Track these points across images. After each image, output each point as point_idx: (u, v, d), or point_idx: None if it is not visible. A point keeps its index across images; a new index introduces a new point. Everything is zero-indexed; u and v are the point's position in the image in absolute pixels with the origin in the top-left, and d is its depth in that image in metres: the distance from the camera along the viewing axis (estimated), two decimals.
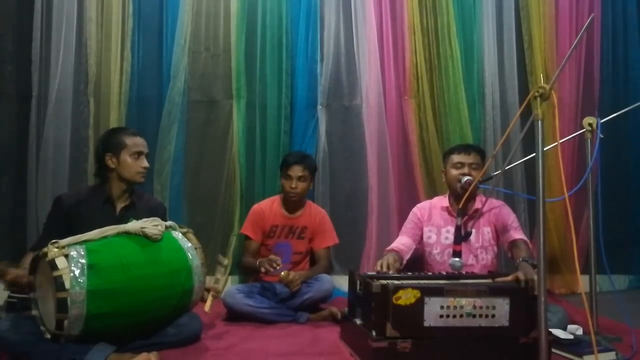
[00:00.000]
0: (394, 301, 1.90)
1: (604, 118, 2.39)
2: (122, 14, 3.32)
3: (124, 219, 2.21)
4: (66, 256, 1.88)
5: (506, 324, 1.95)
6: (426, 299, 1.92)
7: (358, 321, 2.12)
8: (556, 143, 2.14)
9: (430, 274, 2.45)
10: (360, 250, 3.44)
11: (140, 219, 2.18)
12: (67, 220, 2.28)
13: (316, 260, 3.00)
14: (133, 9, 3.33)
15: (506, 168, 2.93)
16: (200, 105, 3.45)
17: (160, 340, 2.10)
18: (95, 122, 3.29)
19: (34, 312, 2.00)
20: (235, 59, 3.41)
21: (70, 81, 3.26)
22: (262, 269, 2.67)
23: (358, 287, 2.18)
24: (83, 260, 1.89)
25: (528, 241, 2.52)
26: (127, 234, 2.08)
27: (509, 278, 2.14)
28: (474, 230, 2.55)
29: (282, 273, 2.66)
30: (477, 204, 2.63)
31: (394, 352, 1.89)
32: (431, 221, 2.70)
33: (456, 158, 2.64)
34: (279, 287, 2.73)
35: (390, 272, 2.31)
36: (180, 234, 2.26)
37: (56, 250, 1.88)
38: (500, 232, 2.61)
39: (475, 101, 3.53)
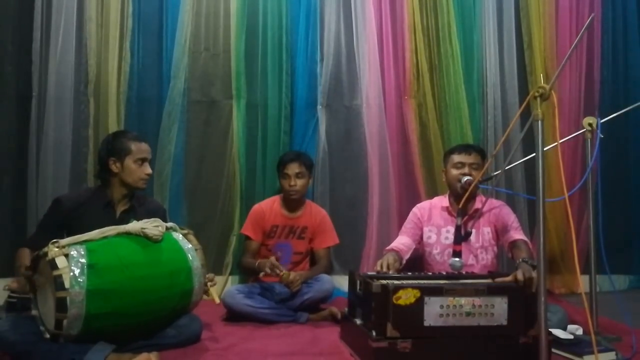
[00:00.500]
0: (394, 301, 1.90)
1: (604, 118, 2.39)
2: (122, 14, 3.31)
3: (123, 223, 2.19)
4: (66, 256, 1.88)
5: (504, 322, 1.95)
6: (426, 299, 1.92)
7: (358, 321, 2.12)
8: (556, 143, 2.14)
9: (430, 274, 2.45)
10: (360, 250, 3.43)
11: (142, 220, 2.18)
12: (66, 222, 2.28)
13: (316, 260, 3.00)
14: (133, 9, 3.33)
15: (506, 168, 2.94)
16: (200, 105, 3.45)
17: (160, 341, 2.10)
18: (95, 122, 3.28)
19: (34, 312, 2.00)
20: (235, 59, 3.41)
21: (70, 81, 3.26)
22: (265, 272, 2.67)
23: (358, 287, 2.18)
24: (83, 260, 1.89)
25: (528, 241, 2.52)
26: (127, 234, 2.08)
27: (509, 278, 2.14)
28: (474, 230, 2.55)
29: (283, 274, 2.66)
30: (477, 204, 2.63)
31: (394, 352, 1.89)
32: (431, 221, 2.70)
33: (456, 158, 2.64)
34: (278, 288, 2.73)
35: (390, 272, 2.31)
36: (181, 235, 2.26)
37: (56, 249, 1.88)
38: (500, 232, 2.61)
39: (475, 101, 3.53)
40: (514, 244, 2.50)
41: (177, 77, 3.34)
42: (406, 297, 1.91)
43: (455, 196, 2.65)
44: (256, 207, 3.04)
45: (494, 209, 2.65)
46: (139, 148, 2.36)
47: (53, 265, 1.85)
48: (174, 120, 3.33)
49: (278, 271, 2.64)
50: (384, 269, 2.32)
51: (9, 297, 2.36)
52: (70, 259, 1.87)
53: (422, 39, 3.49)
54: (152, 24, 3.40)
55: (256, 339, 2.35)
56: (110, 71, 3.29)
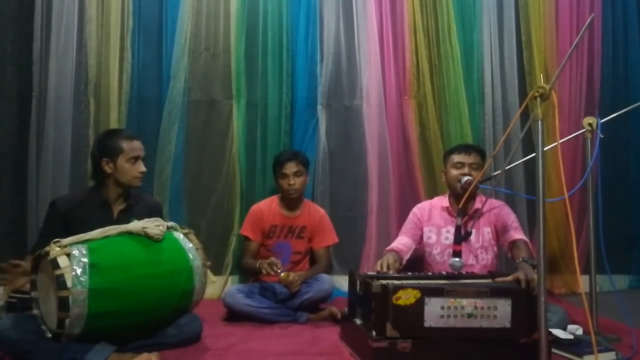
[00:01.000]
0: (394, 301, 1.90)
1: (604, 118, 2.39)
2: (122, 14, 3.31)
3: (121, 222, 2.18)
4: (68, 255, 1.88)
5: (508, 325, 1.94)
6: (426, 299, 1.92)
7: (358, 321, 2.12)
8: (556, 143, 2.14)
9: (430, 274, 2.45)
10: (360, 250, 3.44)
11: (138, 220, 2.17)
12: (64, 224, 2.25)
13: (316, 259, 3.00)
14: (133, 9, 3.33)
15: (506, 168, 2.94)
16: (200, 105, 3.45)
17: (160, 340, 2.10)
18: (96, 122, 3.28)
19: (35, 311, 2.00)
20: (235, 59, 3.41)
21: (71, 81, 3.26)
22: (264, 271, 2.67)
23: (358, 287, 2.18)
24: (85, 259, 1.89)
25: (528, 241, 2.52)
26: (128, 233, 2.08)
27: (509, 278, 2.14)
28: (474, 231, 2.55)
29: (282, 274, 2.66)
30: (477, 204, 2.63)
31: (394, 352, 1.89)
32: (431, 221, 2.70)
33: (456, 158, 2.64)
34: (278, 288, 2.73)
35: (390, 272, 2.31)
36: (182, 235, 2.26)
37: (58, 249, 1.88)
38: (500, 232, 2.61)
39: (475, 101, 3.53)
40: (513, 243, 2.50)
41: (177, 77, 3.34)
42: (406, 298, 1.91)
43: (455, 196, 2.65)
44: (254, 207, 3.04)
45: (494, 209, 2.65)
46: (131, 146, 2.32)
47: (55, 264, 1.85)
48: (174, 120, 3.33)
49: (276, 269, 2.64)
50: (384, 269, 2.32)
51: (9, 297, 2.36)
52: (72, 258, 1.87)
53: (422, 39, 3.49)
54: (152, 24, 3.40)
55: (256, 339, 2.36)
56: (111, 71, 3.29)
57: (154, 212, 2.38)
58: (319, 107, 3.49)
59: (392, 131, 3.48)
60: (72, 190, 3.13)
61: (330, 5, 3.51)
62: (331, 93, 3.51)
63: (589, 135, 2.40)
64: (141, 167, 2.35)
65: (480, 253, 2.61)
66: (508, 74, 3.58)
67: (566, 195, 1.80)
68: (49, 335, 1.92)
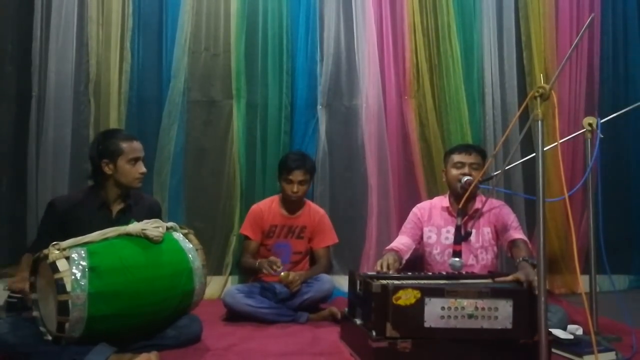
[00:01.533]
0: (394, 301, 1.90)
1: (604, 118, 2.39)
2: (122, 14, 3.31)
3: (120, 223, 2.18)
4: (67, 258, 1.87)
5: (509, 326, 1.94)
6: (426, 300, 1.92)
7: (358, 321, 2.12)
8: (556, 143, 2.14)
9: (430, 274, 2.45)
10: (360, 250, 3.44)
11: (137, 220, 2.17)
12: (62, 224, 2.24)
13: (316, 259, 3.00)
14: (133, 9, 3.33)
15: (506, 168, 2.94)
16: (200, 105, 3.45)
17: (160, 342, 2.09)
18: (96, 122, 3.28)
19: (35, 314, 2.00)
20: (235, 59, 3.41)
21: (70, 81, 3.26)
22: (264, 270, 2.67)
23: (358, 287, 2.18)
24: (84, 263, 1.88)
25: (528, 241, 2.52)
26: (128, 235, 2.07)
27: (509, 278, 2.14)
28: (474, 231, 2.55)
29: (282, 274, 2.66)
30: (477, 204, 2.63)
31: (394, 352, 1.89)
32: (431, 221, 2.70)
33: (457, 158, 2.64)
34: (278, 287, 2.73)
35: (390, 272, 2.31)
36: (181, 235, 2.25)
37: (57, 252, 1.87)
38: (500, 232, 2.61)
39: (475, 101, 3.53)
40: (513, 243, 2.51)
41: (177, 77, 3.34)
42: (406, 298, 1.91)
43: (455, 196, 2.65)
44: (255, 207, 3.04)
45: (494, 209, 2.65)
46: (131, 147, 2.31)
47: (54, 268, 1.84)
48: (174, 120, 3.33)
49: (276, 267, 2.64)
50: (384, 269, 2.32)
51: (9, 297, 2.36)
52: (71, 262, 1.87)
53: (422, 39, 3.49)
54: (152, 24, 3.40)
55: (256, 339, 2.36)
56: (111, 71, 3.29)
57: (153, 212, 2.38)
58: (319, 107, 3.49)
59: (392, 131, 3.48)
60: (71, 190, 3.13)
61: (330, 5, 3.51)
62: (331, 93, 3.51)
63: (589, 135, 2.40)
64: (141, 168, 2.34)
65: (480, 253, 2.61)
66: (508, 74, 3.58)
67: (566, 195, 1.80)
68: (49, 337, 1.91)
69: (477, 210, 2.60)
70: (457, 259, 2.32)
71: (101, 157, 2.29)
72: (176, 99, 3.34)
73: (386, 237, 3.27)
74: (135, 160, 2.32)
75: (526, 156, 2.69)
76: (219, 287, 3.25)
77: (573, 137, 2.68)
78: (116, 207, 2.35)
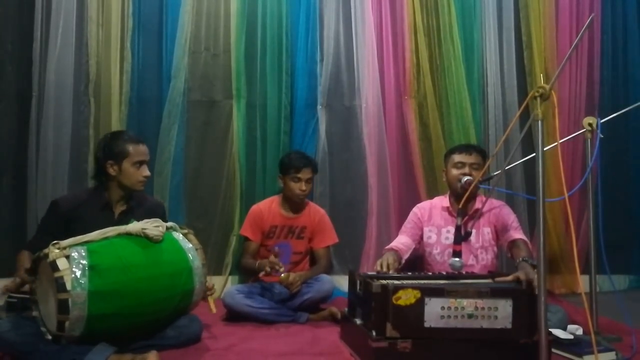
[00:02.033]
0: (394, 301, 1.90)
1: (604, 118, 2.39)
2: (122, 14, 3.31)
3: (122, 224, 2.18)
4: (67, 257, 1.87)
5: (509, 326, 1.94)
6: (426, 300, 1.92)
7: (358, 321, 2.12)
8: (556, 143, 2.14)
9: (430, 274, 2.45)
10: (360, 250, 3.44)
11: (141, 220, 2.17)
12: (65, 224, 2.25)
13: (316, 259, 3.00)
14: (133, 9, 3.33)
15: (506, 168, 2.94)
16: (200, 105, 3.45)
17: (159, 342, 2.09)
18: (96, 122, 3.28)
19: (35, 313, 2.00)
20: (235, 59, 3.41)
21: (71, 81, 3.25)
22: (265, 271, 2.67)
23: (358, 287, 2.18)
24: (84, 262, 1.89)
25: (528, 241, 2.52)
26: (128, 235, 2.08)
27: (509, 278, 2.14)
28: (474, 231, 2.55)
29: (282, 275, 2.66)
30: (478, 204, 2.63)
31: (394, 352, 1.89)
32: (431, 221, 2.70)
33: (457, 158, 2.64)
34: (278, 288, 2.73)
35: (391, 271, 2.31)
36: (181, 235, 2.26)
37: (57, 251, 1.87)
38: (500, 232, 2.61)
39: (475, 101, 3.53)
40: (513, 243, 2.51)
41: (177, 77, 3.34)
42: (406, 298, 1.91)
43: (455, 196, 2.65)
44: (254, 207, 3.03)
45: (494, 209, 2.65)
46: (137, 150, 2.31)
47: (54, 266, 1.85)
48: (174, 120, 3.33)
49: (278, 267, 2.64)
50: (384, 269, 2.32)
51: (9, 297, 2.36)
52: (72, 261, 1.87)
53: (423, 39, 3.49)
54: (153, 24, 3.40)
55: (256, 339, 2.36)
56: (111, 71, 3.29)
57: (156, 213, 2.37)
58: (319, 107, 3.49)
59: (392, 131, 3.49)
60: (71, 190, 3.13)
61: (330, 5, 3.51)
62: (331, 93, 3.51)
63: (589, 135, 2.40)
64: (145, 171, 2.34)
65: (480, 253, 2.61)
66: (508, 73, 3.58)
67: (566, 195, 1.80)
68: (49, 337, 1.91)
69: (477, 210, 2.60)
70: (457, 259, 2.32)
71: (106, 157, 2.30)
72: (176, 99, 3.33)
73: (386, 237, 3.27)
74: (140, 163, 2.32)
75: (527, 156, 2.69)
76: (219, 287, 3.25)
77: (573, 137, 2.68)
78: (119, 209, 2.36)
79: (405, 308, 1.91)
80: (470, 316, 1.93)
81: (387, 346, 1.89)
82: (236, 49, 3.41)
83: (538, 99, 1.73)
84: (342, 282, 3.06)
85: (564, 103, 3.55)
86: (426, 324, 1.92)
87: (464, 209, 2.46)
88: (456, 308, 1.93)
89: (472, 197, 2.62)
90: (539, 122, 1.72)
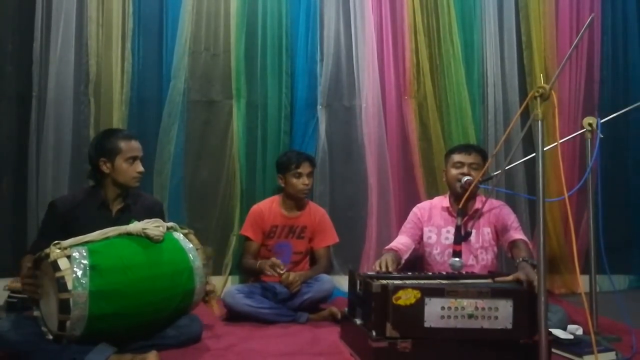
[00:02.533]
0: (394, 301, 1.90)
1: (604, 118, 2.39)
2: (123, 14, 3.30)
3: (120, 222, 2.19)
4: (68, 257, 1.88)
5: (509, 326, 1.94)
6: (426, 300, 1.92)
7: (358, 321, 2.12)
8: (556, 143, 2.14)
9: (430, 274, 2.45)
10: (360, 250, 3.43)
11: (138, 219, 2.17)
12: (64, 225, 2.25)
13: (316, 259, 3.00)
14: (133, 9, 3.32)
15: (506, 168, 2.94)
16: (200, 105, 3.45)
17: (160, 342, 2.09)
18: (96, 122, 3.27)
19: (36, 313, 2.00)
20: (235, 59, 3.41)
21: (71, 81, 3.25)
22: (267, 272, 2.67)
23: (358, 287, 2.18)
24: (85, 261, 1.89)
25: (528, 241, 2.52)
26: (128, 235, 2.08)
27: (509, 278, 2.14)
28: (474, 231, 2.55)
29: (283, 275, 2.66)
30: (477, 204, 2.64)
31: (394, 352, 1.89)
32: (431, 221, 2.70)
33: (456, 157, 2.64)
34: (278, 288, 2.73)
35: (390, 269, 2.31)
36: (182, 235, 2.26)
37: (58, 251, 1.88)
38: (500, 232, 2.62)
39: (476, 101, 3.53)
40: (513, 243, 2.51)
41: (177, 77, 3.34)
42: (406, 298, 1.91)
43: (455, 196, 2.65)
44: (255, 207, 3.04)
45: (494, 209, 2.65)
46: (129, 146, 2.32)
47: (55, 266, 1.85)
48: (174, 120, 3.33)
49: (279, 270, 2.64)
50: (383, 269, 2.32)
51: (9, 297, 2.37)
52: (73, 261, 1.87)
53: (423, 38, 3.49)
54: (153, 24, 3.39)
55: (256, 339, 2.36)
56: (111, 71, 3.28)
57: (153, 211, 2.38)
58: (319, 107, 3.49)
59: (392, 131, 3.48)
60: (71, 190, 3.13)
61: (330, 5, 3.51)
62: (331, 93, 3.51)
63: (589, 135, 2.40)
64: (139, 167, 2.34)
65: (480, 253, 2.61)
66: (509, 73, 3.58)
67: (566, 195, 1.80)
68: (50, 337, 1.91)
69: (477, 210, 2.60)
70: (457, 259, 2.32)
71: (99, 155, 2.30)
72: (176, 99, 3.33)
73: (386, 237, 3.26)
74: (133, 159, 2.33)
75: (527, 156, 2.69)
76: (219, 287, 3.25)
77: (573, 137, 2.67)
78: (116, 207, 2.36)
79: (405, 308, 1.91)
80: (470, 316, 1.93)
81: (387, 346, 1.89)
82: (236, 49, 3.41)
83: (538, 99, 1.74)
84: (342, 282, 3.07)
85: (564, 103, 3.56)
86: (426, 324, 1.92)
87: (463, 209, 2.46)
88: (456, 308, 1.93)
89: (472, 197, 2.63)
90: (539, 122, 1.72)
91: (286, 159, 2.96)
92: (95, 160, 2.31)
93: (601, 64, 3.69)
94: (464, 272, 2.42)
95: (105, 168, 2.30)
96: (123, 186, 2.34)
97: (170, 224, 2.26)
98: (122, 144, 2.31)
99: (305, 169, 2.90)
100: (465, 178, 2.55)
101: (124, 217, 2.28)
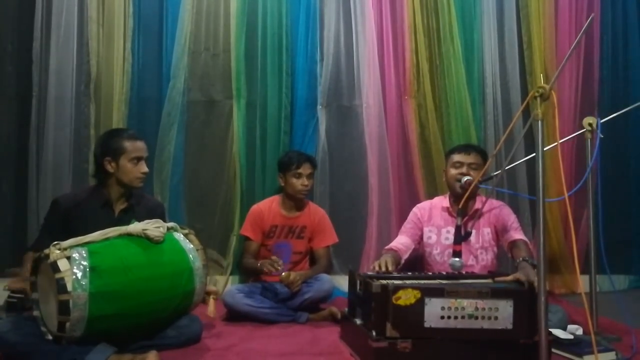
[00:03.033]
0: (394, 301, 1.90)
1: (604, 118, 2.39)
2: (123, 14, 3.31)
3: (122, 222, 2.20)
4: (68, 258, 1.88)
5: (510, 326, 1.94)
6: (427, 300, 1.92)
7: (358, 321, 2.12)
8: (556, 143, 2.14)
9: (430, 274, 2.45)
10: (360, 250, 3.43)
11: (139, 220, 2.17)
12: (66, 222, 2.26)
13: (316, 259, 3.00)
14: (133, 9, 3.33)
15: (506, 168, 2.94)
16: (200, 105, 3.45)
17: (160, 342, 2.10)
18: (96, 122, 3.28)
19: (35, 313, 2.00)
20: (235, 59, 3.41)
21: (71, 81, 3.25)
22: (265, 270, 2.67)
23: (358, 287, 2.18)
24: (85, 263, 1.89)
25: (528, 241, 2.52)
26: (129, 235, 2.08)
27: (509, 278, 2.14)
28: (474, 231, 2.55)
29: (283, 274, 2.66)
30: (477, 204, 2.64)
31: (394, 352, 1.89)
32: (431, 221, 2.70)
33: (456, 157, 2.64)
34: (279, 287, 2.73)
35: (390, 269, 2.31)
36: (182, 236, 2.26)
37: (58, 252, 1.87)
38: (500, 232, 2.62)
39: (476, 101, 3.53)
40: (513, 243, 2.51)
41: (177, 77, 3.34)
42: (406, 298, 1.91)
43: (455, 196, 2.65)
44: (255, 207, 3.04)
45: (494, 209, 2.65)
46: (134, 147, 2.33)
47: (55, 267, 1.85)
48: (174, 120, 3.33)
49: (277, 266, 2.64)
50: (382, 269, 2.32)
51: (9, 297, 2.36)
52: (72, 262, 1.87)
53: (423, 39, 3.48)
54: (153, 24, 3.40)
55: (256, 339, 2.36)
56: (111, 71, 3.28)
57: (155, 213, 2.38)
58: (319, 107, 3.49)
59: (392, 131, 3.48)
60: (72, 190, 3.13)
61: (330, 5, 3.51)
62: (331, 93, 3.50)
63: (589, 135, 2.40)
64: (143, 167, 2.35)
65: (480, 253, 2.61)
66: (509, 73, 3.58)
67: (566, 195, 1.80)
68: (50, 337, 1.91)
69: (477, 210, 2.60)
70: (457, 259, 2.32)
71: (104, 154, 2.31)
72: (176, 99, 3.33)
73: (386, 237, 3.26)
74: (138, 159, 2.33)
75: (528, 156, 2.69)
76: (219, 287, 3.25)
77: (573, 137, 2.67)
78: (119, 207, 2.37)
79: (405, 308, 1.91)
80: (470, 316, 1.93)
81: (387, 346, 1.89)
82: (236, 49, 3.41)
83: (538, 99, 1.74)
84: (342, 282, 3.06)
85: (564, 103, 3.55)
86: (426, 324, 1.92)
87: (463, 209, 2.46)
88: (456, 308, 1.93)
89: (472, 197, 2.62)
90: (539, 122, 1.72)
91: (287, 159, 2.97)
92: (100, 159, 2.33)
93: (601, 64, 3.69)
94: (464, 272, 2.42)
95: (110, 167, 2.31)
96: (127, 186, 2.34)
97: (170, 224, 2.26)
98: (128, 144, 2.32)
99: (305, 169, 2.91)
100: (465, 178, 2.55)
101: (126, 218, 2.28)
